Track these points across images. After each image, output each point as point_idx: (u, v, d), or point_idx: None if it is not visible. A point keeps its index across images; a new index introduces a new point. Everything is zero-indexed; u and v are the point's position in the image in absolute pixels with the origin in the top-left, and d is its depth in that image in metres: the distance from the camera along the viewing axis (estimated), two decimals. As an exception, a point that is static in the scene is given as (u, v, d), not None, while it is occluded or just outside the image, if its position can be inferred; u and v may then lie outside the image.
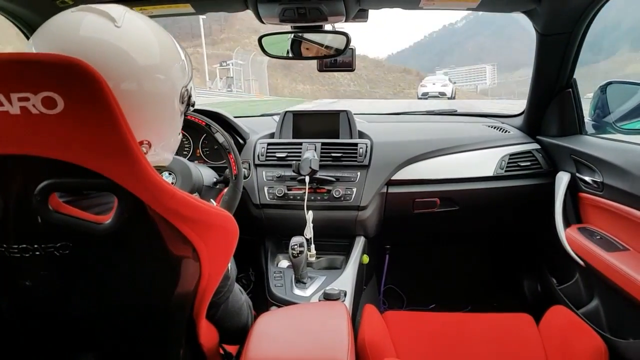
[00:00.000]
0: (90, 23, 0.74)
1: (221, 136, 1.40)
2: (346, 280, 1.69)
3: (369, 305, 1.64)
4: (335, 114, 2.08)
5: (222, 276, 0.86)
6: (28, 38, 0.77)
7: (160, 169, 1.35)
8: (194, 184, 1.40)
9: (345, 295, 1.59)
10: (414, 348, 1.55)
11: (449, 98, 25.54)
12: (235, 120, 2.07)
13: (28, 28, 1.63)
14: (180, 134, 0.95)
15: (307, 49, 1.72)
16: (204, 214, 0.74)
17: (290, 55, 1.73)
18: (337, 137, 2.05)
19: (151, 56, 0.78)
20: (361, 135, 2.06)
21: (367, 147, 1.94)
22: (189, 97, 0.92)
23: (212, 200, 1.42)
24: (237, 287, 1.04)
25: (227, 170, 1.43)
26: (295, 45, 1.72)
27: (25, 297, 0.72)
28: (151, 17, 1.66)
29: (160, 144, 0.86)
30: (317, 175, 1.83)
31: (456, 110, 2.55)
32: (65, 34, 0.73)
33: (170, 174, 1.39)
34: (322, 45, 1.70)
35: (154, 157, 0.86)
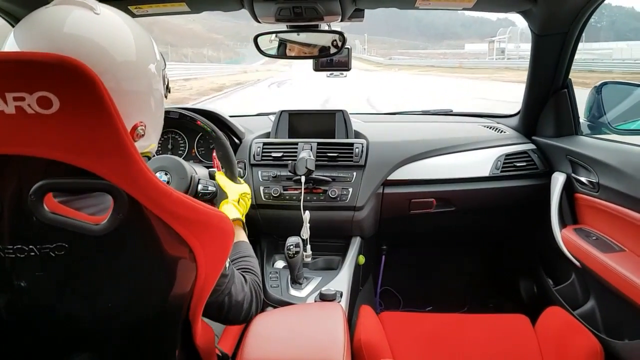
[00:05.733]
0: (69, 18, 0.74)
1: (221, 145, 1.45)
2: (342, 280, 1.69)
3: (365, 306, 1.64)
4: (331, 114, 2.07)
5: (219, 275, 0.85)
6: None
7: (155, 169, 1.35)
8: (189, 183, 1.40)
9: (341, 295, 1.59)
10: (410, 349, 1.55)
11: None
12: (231, 119, 2.06)
13: (15, 20, 1.61)
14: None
15: (290, 49, 1.72)
16: (200, 214, 0.73)
17: (280, 54, 1.73)
18: (333, 137, 2.04)
19: (129, 50, 0.79)
20: (357, 135, 2.05)
21: (363, 147, 1.93)
22: (168, 80, 0.95)
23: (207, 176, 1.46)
24: (239, 279, 1.01)
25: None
26: (281, 47, 1.72)
27: (21, 298, 0.72)
28: (147, 15, 1.67)
29: (152, 127, 0.88)
30: (313, 176, 1.83)
31: (452, 110, 2.55)
32: (44, 31, 0.73)
33: (165, 173, 1.39)
34: (306, 44, 1.70)
35: (146, 142, 0.88)
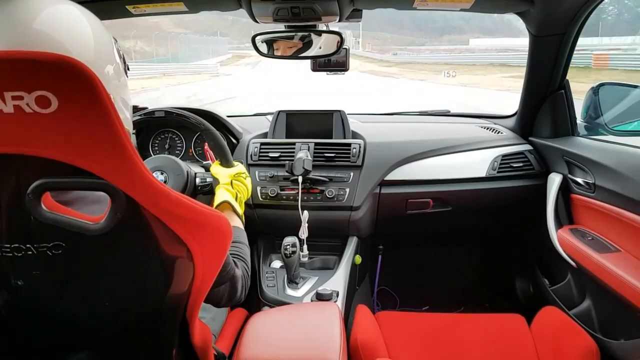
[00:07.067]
0: (34, 12, 0.72)
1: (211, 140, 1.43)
2: (338, 280, 1.69)
3: (362, 306, 1.64)
4: (328, 114, 2.08)
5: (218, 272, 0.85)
6: None
7: (151, 169, 1.35)
8: (186, 179, 1.40)
9: (337, 295, 1.59)
10: (407, 348, 1.55)
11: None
12: (228, 119, 2.06)
13: None
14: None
15: (277, 48, 1.71)
16: (197, 214, 0.73)
17: (270, 54, 1.72)
18: (331, 137, 2.05)
19: (87, 49, 0.76)
20: (354, 135, 2.06)
21: (360, 147, 1.94)
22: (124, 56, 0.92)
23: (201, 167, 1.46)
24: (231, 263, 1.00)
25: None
26: (270, 48, 1.72)
27: (19, 297, 0.72)
28: (145, 15, 1.67)
29: (121, 101, 0.86)
30: (310, 176, 1.83)
31: (449, 111, 2.56)
32: (8, 23, 0.70)
33: (162, 173, 1.39)
34: (288, 38, 1.69)
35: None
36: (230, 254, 1.06)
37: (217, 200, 1.27)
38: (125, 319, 0.77)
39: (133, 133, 0.92)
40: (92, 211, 0.68)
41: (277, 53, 1.71)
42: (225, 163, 1.41)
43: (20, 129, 0.60)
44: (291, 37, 1.67)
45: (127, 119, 0.90)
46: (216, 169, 1.39)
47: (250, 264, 1.13)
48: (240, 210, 1.31)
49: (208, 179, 1.41)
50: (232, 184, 1.34)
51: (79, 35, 0.76)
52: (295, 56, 1.72)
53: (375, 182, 1.90)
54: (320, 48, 1.67)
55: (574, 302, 1.76)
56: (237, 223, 1.24)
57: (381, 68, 39.65)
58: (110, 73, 0.82)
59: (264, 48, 1.69)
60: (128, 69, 0.92)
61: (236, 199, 1.32)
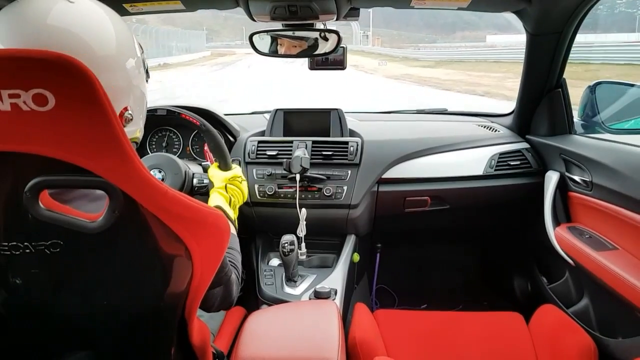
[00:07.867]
0: (52, 10, 0.73)
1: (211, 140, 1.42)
2: (337, 278, 1.69)
3: (360, 304, 1.64)
4: (326, 112, 2.08)
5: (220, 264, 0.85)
6: None
7: (149, 167, 1.35)
8: (184, 179, 1.40)
9: (335, 293, 1.59)
10: (405, 346, 1.55)
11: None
12: (226, 117, 2.06)
13: None
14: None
15: (281, 44, 1.71)
16: (195, 212, 0.73)
17: (272, 52, 1.71)
18: (328, 136, 2.04)
19: (109, 44, 0.78)
20: (352, 133, 2.06)
21: (357, 145, 1.93)
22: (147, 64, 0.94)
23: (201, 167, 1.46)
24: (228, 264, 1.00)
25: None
26: (273, 44, 1.71)
27: (16, 295, 0.72)
28: (141, 13, 1.66)
29: (137, 111, 0.88)
30: (308, 174, 1.82)
31: (446, 110, 2.56)
32: (27, 23, 0.72)
33: (159, 171, 1.39)
34: (296, 38, 1.68)
35: (134, 127, 0.87)
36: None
37: (210, 204, 1.25)
38: (124, 318, 0.76)
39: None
40: (95, 208, 0.68)
41: (280, 51, 1.70)
42: (224, 166, 1.39)
43: (17, 127, 0.59)
44: (299, 38, 1.67)
45: (141, 128, 0.92)
46: (213, 171, 1.37)
47: (249, 262, 1.12)
48: (234, 215, 1.29)
49: (205, 180, 1.41)
50: (227, 188, 1.32)
51: (99, 28, 0.77)
52: (294, 55, 1.72)
53: (373, 180, 1.90)
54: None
55: (572, 300, 1.76)
56: (231, 229, 1.23)
57: (412, 70, 26.43)
58: (132, 66, 0.83)
59: (263, 46, 1.69)
60: (148, 71, 0.94)
61: (230, 203, 1.30)
